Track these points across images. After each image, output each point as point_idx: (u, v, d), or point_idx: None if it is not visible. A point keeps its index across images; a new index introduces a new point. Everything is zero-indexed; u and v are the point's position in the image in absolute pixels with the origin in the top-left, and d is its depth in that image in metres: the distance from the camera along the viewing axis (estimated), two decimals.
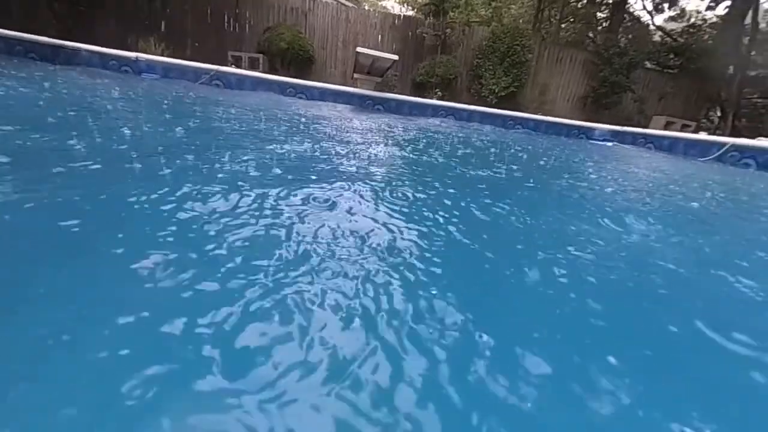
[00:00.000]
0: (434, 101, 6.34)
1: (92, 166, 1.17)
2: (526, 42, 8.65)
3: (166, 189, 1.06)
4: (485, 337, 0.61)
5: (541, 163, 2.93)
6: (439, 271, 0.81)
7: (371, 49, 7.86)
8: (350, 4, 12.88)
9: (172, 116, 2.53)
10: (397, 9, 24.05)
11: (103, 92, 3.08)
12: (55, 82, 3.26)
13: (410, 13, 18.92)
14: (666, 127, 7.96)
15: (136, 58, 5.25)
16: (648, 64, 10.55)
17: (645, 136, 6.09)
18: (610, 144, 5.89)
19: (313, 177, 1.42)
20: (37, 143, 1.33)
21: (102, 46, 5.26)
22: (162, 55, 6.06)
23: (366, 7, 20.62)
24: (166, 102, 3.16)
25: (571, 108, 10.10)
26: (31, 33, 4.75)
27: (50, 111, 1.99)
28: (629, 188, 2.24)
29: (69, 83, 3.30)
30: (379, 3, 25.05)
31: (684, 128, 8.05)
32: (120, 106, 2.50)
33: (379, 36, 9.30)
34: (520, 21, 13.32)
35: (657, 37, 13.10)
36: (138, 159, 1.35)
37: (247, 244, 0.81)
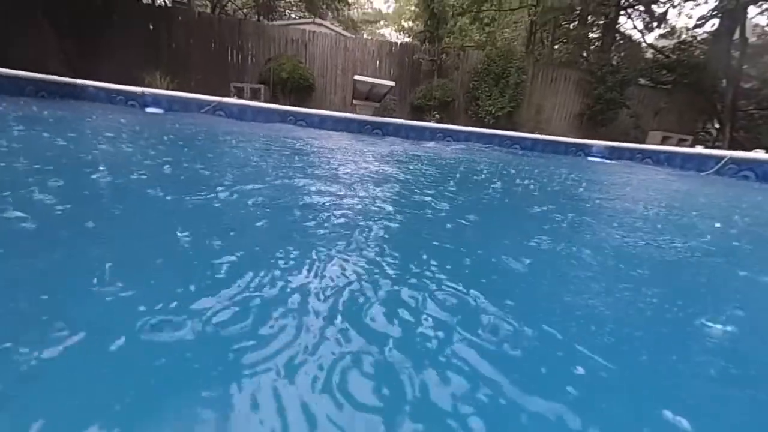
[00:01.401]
0: (431, 124, 6.47)
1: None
2: (520, 64, 8.90)
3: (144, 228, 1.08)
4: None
5: (540, 183, 2.95)
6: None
7: (369, 75, 8.12)
8: (348, 34, 13.41)
9: (172, 152, 2.60)
10: (394, 36, 25.01)
11: (111, 130, 3.19)
12: (62, 120, 3.39)
13: (407, 40, 19.64)
14: (663, 141, 8.03)
15: (143, 92, 5.44)
16: (642, 81, 10.77)
17: (642, 151, 6.14)
18: (607, 161, 5.93)
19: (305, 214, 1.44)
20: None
21: (110, 81, 5.47)
22: (167, 89, 6.29)
23: (365, 36, 21.48)
24: (166, 137, 3.26)
25: (568, 126, 10.25)
26: (41, 72, 4.96)
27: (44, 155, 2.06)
28: (634, 218, 2.25)
29: (79, 121, 3.43)
30: (377, 31, 26.04)
31: (681, 142, 8.11)
32: (122, 145, 2.58)
33: (377, 62, 9.62)
34: (514, 44, 13.73)
35: (649, 54, 13.42)
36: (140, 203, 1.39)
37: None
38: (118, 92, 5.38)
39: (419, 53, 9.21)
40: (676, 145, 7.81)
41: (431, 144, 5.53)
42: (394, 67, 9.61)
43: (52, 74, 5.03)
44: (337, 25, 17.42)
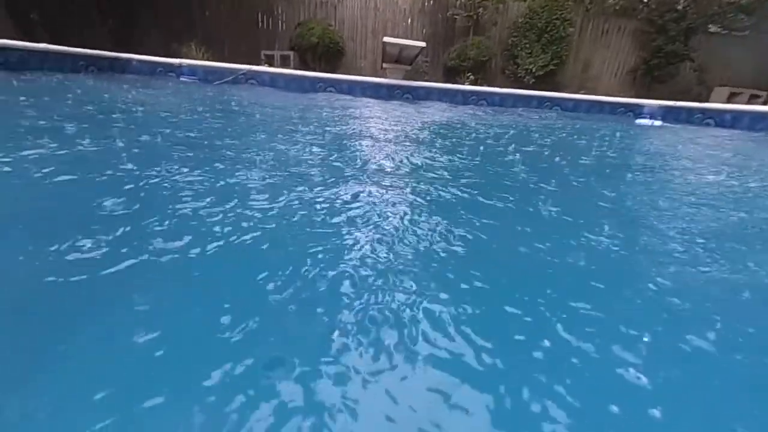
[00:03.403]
0: (464, 87, 6.19)
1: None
2: (566, 15, 8.10)
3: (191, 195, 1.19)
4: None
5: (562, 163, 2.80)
6: None
7: (400, 36, 7.79)
8: None
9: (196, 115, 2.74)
10: None
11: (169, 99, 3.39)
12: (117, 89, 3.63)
13: None
14: (730, 99, 7.13)
15: (180, 64, 5.64)
16: (712, 28, 9.41)
17: (703, 111, 5.54)
18: (658, 123, 5.38)
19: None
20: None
21: (150, 54, 5.71)
22: (202, 59, 6.44)
23: None
24: (198, 103, 3.41)
25: (619, 83, 9.33)
26: (89, 48, 5.26)
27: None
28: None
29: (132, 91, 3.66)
30: None
31: (753, 99, 7.16)
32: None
33: (409, 20, 9.12)
34: None
35: None
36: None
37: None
38: (158, 64, 5.61)
39: (453, 9, 8.60)
40: (747, 102, 6.92)
41: (464, 109, 5.31)
42: (426, 26, 9.08)
43: (99, 50, 5.31)
44: None
